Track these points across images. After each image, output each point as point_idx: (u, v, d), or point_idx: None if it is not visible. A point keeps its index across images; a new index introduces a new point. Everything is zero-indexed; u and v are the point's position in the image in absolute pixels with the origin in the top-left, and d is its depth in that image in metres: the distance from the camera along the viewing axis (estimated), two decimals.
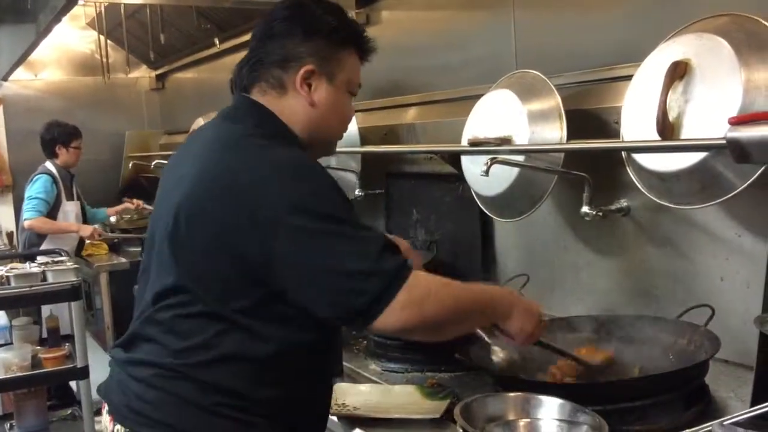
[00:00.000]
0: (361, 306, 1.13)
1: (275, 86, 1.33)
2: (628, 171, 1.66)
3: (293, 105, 1.33)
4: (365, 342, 1.93)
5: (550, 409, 1.19)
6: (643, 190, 1.63)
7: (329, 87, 1.34)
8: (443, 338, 1.24)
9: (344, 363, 1.86)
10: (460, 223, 2.41)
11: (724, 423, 0.90)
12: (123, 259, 4.16)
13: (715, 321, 1.55)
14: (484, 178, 1.81)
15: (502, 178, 1.90)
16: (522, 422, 1.18)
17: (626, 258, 1.89)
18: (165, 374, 1.22)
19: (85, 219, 4.29)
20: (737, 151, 1.13)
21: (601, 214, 1.80)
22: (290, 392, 1.24)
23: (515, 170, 1.87)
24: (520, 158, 1.82)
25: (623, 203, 1.83)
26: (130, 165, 5.14)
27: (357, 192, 2.72)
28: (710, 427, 0.90)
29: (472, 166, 2.04)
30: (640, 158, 1.59)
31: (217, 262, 1.20)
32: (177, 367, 1.22)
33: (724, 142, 1.17)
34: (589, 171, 1.78)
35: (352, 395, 1.52)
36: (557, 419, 1.18)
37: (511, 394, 1.23)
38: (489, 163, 1.70)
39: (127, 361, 1.29)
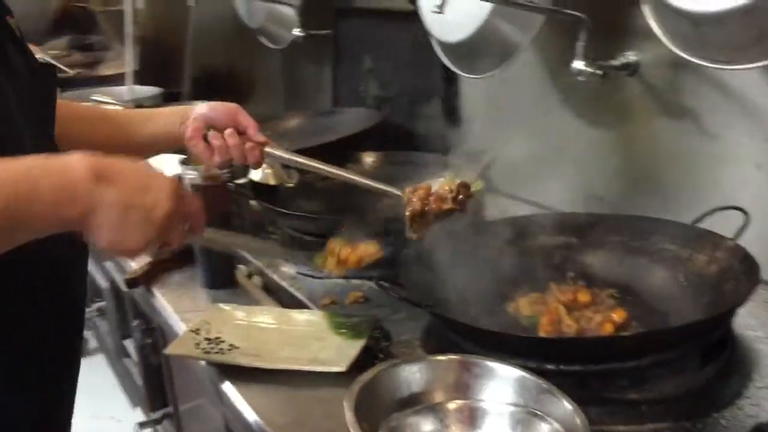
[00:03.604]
0: None
1: None
2: (644, 11, 1.15)
3: None
4: (280, 231, 1.49)
5: (502, 384, 0.77)
6: (663, 39, 1.13)
7: None
8: None
9: (251, 260, 1.43)
10: (419, 76, 1.91)
11: None
12: None
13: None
14: (444, 18, 1.32)
15: (467, 18, 1.38)
16: (452, 406, 0.76)
17: (628, 132, 1.42)
18: None
19: None
20: None
21: (599, 71, 1.31)
22: None
23: (486, 7, 1.35)
24: None
25: (631, 57, 1.34)
26: None
27: (297, 32, 2.18)
28: None
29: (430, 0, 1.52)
30: None
31: None
32: None
33: None
34: (588, 11, 1.27)
35: (233, 324, 1.08)
36: (511, 404, 0.75)
37: (442, 359, 0.79)
38: None
39: None
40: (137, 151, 1.22)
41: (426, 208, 1.13)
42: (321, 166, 1.22)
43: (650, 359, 0.90)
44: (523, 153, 1.60)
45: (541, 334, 1.02)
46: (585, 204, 1.43)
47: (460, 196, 1.14)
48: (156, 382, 1.71)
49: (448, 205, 1.13)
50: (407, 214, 1.13)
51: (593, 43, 1.30)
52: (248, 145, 1.17)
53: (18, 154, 0.76)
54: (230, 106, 1.20)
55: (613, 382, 0.90)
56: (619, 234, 1.20)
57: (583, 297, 1.10)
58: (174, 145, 1.21)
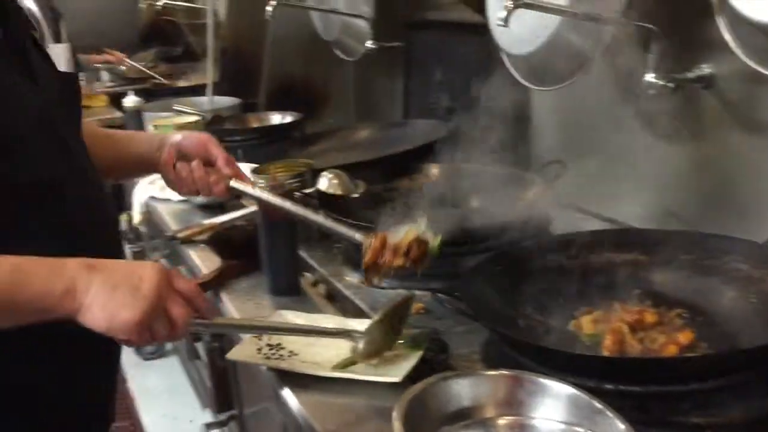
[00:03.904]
0: None
1: None
2: (718, 23, 1.12)
3: None
4: (345, 240, 1.50)
5: (553, 402, 0.76)
6: (737, 52, 1.10)
7: None
8: None
9: (316, 268, 1.45)
10: (490, 88, 1.90)
11: None
12: None
13: None
14: (513, 31, 1.30)
15: (536, 31, 1.38)
16: (503, 422, 0.75)
17: (702, 146, 1.37)
18: None
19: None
20: None
21: (672, 84, 1.28)
22: None
23: (554, 20, 1.34)
24: (560, 1, 1.29)
25: (705, 70, 1.30)
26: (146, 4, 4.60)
27: (369, 44, 2.21)
28: None
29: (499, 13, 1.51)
30: (741, 3, 1.04)
31: None
32: None
33: None
34: (661, 22, 1.25)
35: None
36: (563, 422, 0.74)
37: (493, 374, 0.79)
38: (511, 7, 1.18)
39: None
40: (125, 169, 1.31)
41: (379, 261, 1.09)
42: (286, 206, 1.20)
43: (716, 382, 0.87)
44: (593, 166, 1.58)
45: (604, 353, 1.00)
46: (657, 220, 1.39)
47: (412, 253, 1.08)
48: (223, 385, 1.75)
49: (399, 262, 1.08)
50: (363, 262, 1.11)
51: (667, 56, 1.27)
52: (213, 177, 1.18)
53: (31, 158, 0.82)
54: (202, 137, 1.22)
55: (675, 405, 0.87)
56: (689, 252, 1.16)
57: (650, 317, 1.07)
58: (152, 169, 1.25)
